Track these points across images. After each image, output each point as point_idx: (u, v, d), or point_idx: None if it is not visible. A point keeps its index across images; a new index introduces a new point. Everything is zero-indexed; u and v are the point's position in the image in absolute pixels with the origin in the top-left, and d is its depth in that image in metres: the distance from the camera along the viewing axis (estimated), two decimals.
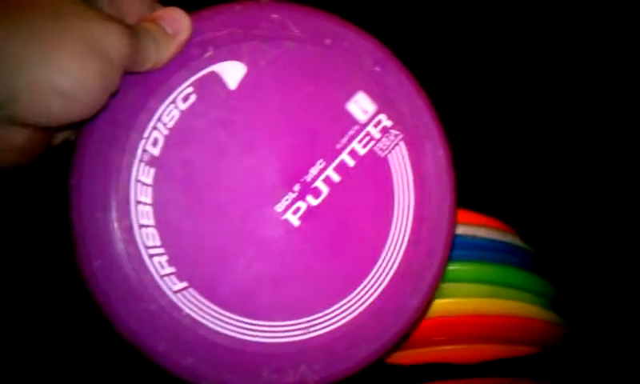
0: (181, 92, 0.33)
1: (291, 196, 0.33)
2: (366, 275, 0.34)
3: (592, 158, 0.63)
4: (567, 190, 0.63)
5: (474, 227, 0.47)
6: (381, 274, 0.34)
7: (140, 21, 0.32)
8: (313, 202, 0.34)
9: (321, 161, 0.34)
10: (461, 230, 0.46)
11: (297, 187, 0.34)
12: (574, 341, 0.51)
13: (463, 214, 0.46)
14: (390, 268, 0.34)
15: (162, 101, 0.32)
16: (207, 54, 0.33)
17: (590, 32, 0.64)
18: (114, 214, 0.32)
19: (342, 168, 0.34)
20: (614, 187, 0.62)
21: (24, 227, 0.55)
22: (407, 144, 0.35)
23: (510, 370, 0.49)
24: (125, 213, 0.32)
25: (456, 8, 0.65)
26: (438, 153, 0.35)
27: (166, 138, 0.32)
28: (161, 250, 0.32)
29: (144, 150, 0.32)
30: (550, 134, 0.64)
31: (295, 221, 0.33)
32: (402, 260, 0.34)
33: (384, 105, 0.35)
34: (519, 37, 0.65)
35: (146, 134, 0.32)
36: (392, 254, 0.34)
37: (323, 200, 0.34)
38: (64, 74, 0.27)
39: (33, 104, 0.27)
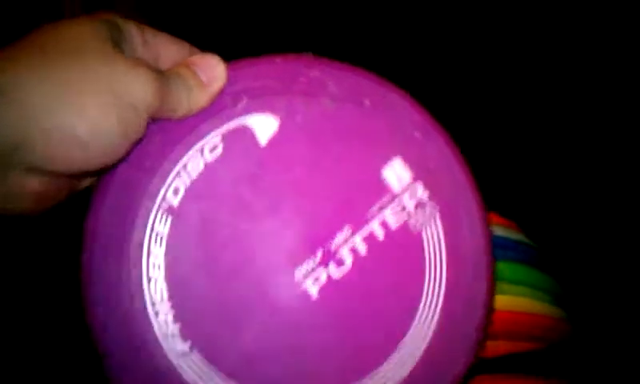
0: (208, 142, 0.31)
1: (312, 262, 0.31)
2: (386, 358, 0.31)
3: (595, 155, 0.63)
4: (570, 186, 0.63)
5: None
6: (403, 358, 0.31)
7: (174, 66, 0.31)
8: (335, 273, 0.31)
9: (348, 227, 0.32)
10: None
11: (319, 253, 0.31)
12: (578, 336, 0.50)
13: None
14: (415, 353, 0.31)
15: (188, 149, 0.31)
16: (240, 105, 0.32)
17: (589, 36, 0.63)
18: (124, 262, 0.30)
19: (370, 239, 0.31)
20: (616, 183, 0.62)
21: (35, 263, 0.56)
22: (443, 219, 0.32)
23: (514, 365, 0.47)
24: (136, 261, 0.30)
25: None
26: (476, 231, 0.32)
27: (188, 188, 0.31)
28: (167, 306, 0.30)
29: (163, 198, 0.31)
30: (552, 131, 0.64)
31: (314, 292, 0.31)
32: (427, 347, 0.31)
33: (421, 174, 0.32)
34: (520, 37, 0.64)
35: (167, 181, 0.31)
36: (417, 339, 0.31)
37: (346, 273, 0.31)
38: (83, 121, 0.26)
39: (50, 151, 0.26)
